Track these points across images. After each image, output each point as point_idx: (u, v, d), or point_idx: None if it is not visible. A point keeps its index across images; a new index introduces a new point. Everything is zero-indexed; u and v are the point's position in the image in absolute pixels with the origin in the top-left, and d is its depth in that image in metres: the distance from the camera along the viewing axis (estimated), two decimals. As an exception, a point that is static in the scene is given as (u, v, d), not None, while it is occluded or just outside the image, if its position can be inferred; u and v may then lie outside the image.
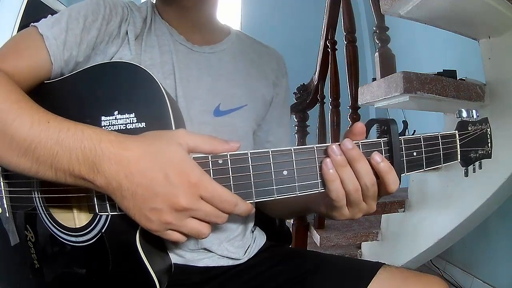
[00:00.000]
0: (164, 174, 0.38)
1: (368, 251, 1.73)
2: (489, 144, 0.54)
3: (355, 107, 1.47)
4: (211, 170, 0.41)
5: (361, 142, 0.44)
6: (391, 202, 1.50)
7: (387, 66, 1.33)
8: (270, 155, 0.42)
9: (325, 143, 0.44)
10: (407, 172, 0.46)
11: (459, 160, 0.50)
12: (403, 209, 1.51)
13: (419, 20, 1.18)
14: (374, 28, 1.41)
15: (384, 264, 0.59)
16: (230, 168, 0.41)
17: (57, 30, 0.52)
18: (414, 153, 0.46)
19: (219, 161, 0.41)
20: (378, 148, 0.44)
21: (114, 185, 0.38)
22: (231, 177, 0.41)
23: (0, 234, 0.52)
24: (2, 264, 0.55)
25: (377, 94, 1.25)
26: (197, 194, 0.38)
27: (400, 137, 0.45)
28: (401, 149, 0.45)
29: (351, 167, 0.42)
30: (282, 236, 0.83)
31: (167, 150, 0.39)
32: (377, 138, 0.45)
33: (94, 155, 0.38)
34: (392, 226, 1.60)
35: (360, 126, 0.44)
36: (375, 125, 0.47)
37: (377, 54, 1.39)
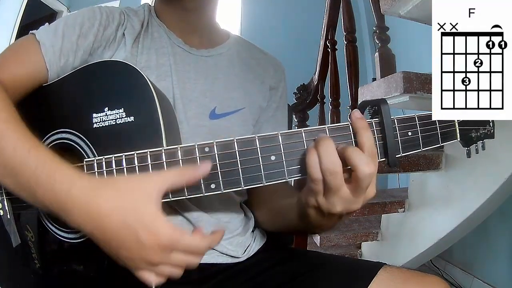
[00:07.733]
0: (135, 234, 0.38)
1: (368, 251, 1.73)
2: (491, 123, 0.51)
3: (355, 107, 1.47)
4: (197, 157, 0.41)
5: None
6: (391, 202, 1.50)
7: (387, 66, 1.33)
8: (257, 140, 0.41)
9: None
10: (403, 153, 0.45)
11: (458, 140, 0.49)
12: (403, 209, 1.51)
13: (419, 20, 1.18)
14: (374, 28, 1.41)
15: (385, 264, 0.59)
16: (216, 155, 0.41)
17: (53, 37, 0.53)
18: (409, 133, 0.45)
19: (205, 149, 0.41)
20: (370, 129, 0.43)
21: (86, 231, 0.40)
22: (218, 164, 0.41)
23: (2, 235, 0.52)
24: (5, 266, 0.55)
25: (377, 94, 1.25)
26: (169, 251, 0.40)
27: (393, 117, 0.44)
28: (394, 129, 0.44)
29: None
30: (284, 237, 0.83)
31: (139, 208, 0.39)
32: (369, 119, 0.44)
33: (65, 201, 0.39)
34: (392, 226, 1.59)
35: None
36: (367, 107, 0.46)
37: (377, 54, 1.39)
